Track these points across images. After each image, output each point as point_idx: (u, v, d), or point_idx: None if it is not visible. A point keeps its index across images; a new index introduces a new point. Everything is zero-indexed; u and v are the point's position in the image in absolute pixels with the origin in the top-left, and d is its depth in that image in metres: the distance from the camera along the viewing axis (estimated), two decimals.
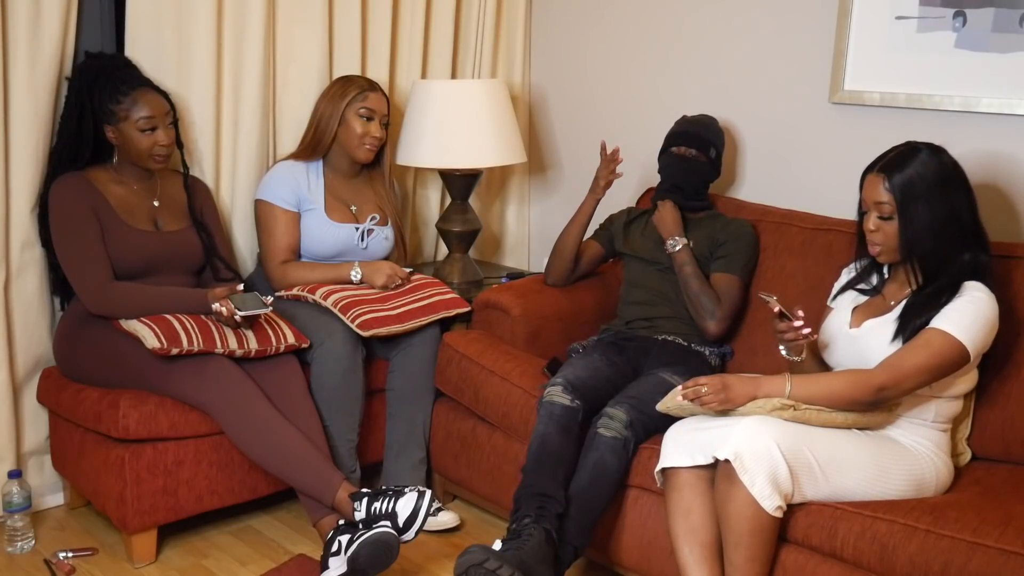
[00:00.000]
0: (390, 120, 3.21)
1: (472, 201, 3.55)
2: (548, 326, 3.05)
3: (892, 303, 2.33)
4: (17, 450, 2.90)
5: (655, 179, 3.09)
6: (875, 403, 2.21)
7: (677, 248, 2.88)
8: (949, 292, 2.22)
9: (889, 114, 2.89)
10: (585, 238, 3.13)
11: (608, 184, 3.01)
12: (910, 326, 2.23)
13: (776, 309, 2.27)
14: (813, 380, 2.23)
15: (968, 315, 2.18)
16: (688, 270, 2.85)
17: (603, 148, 3.00)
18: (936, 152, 2.26)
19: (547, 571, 2.33)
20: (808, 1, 3.03)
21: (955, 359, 2.18)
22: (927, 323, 2.20)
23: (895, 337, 2.25)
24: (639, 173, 3.33)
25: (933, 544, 2.02)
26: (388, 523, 2.49)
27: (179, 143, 2.87)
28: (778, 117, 3.16)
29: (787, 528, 2.20)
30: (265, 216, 3.08)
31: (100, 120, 2.73)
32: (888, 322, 2.29)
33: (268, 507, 3.03)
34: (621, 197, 3.49)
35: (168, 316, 2.65)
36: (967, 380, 2.31)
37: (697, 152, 2.96)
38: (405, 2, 3.50)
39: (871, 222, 2.28)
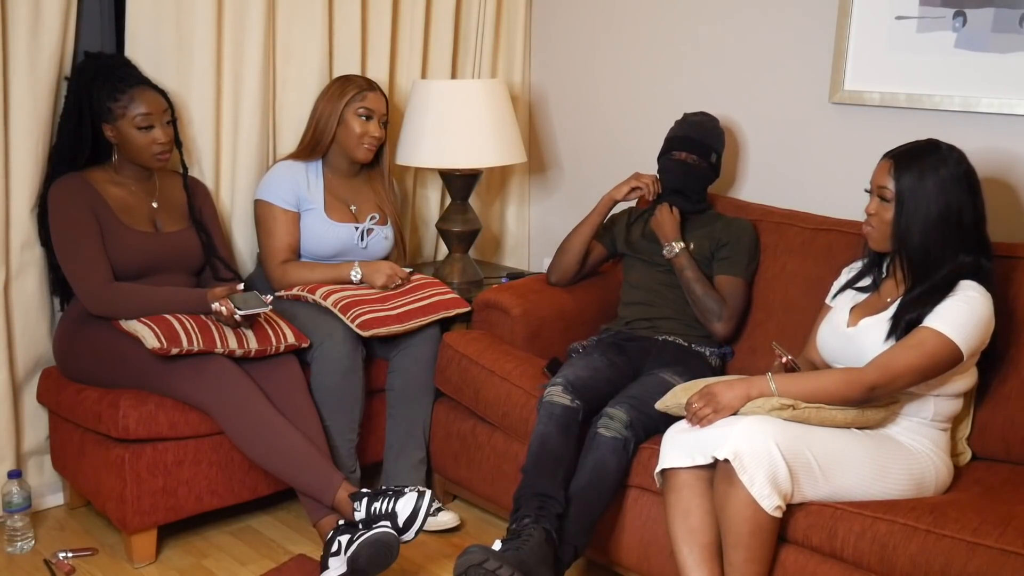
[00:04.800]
0: (389, 119, 3.21)
1: (472, 201, 3.55)
2: (548, 326, 3.05)
3: (888, 301, 2.34)
4: (17, 450, 2.90)
5: None
6: (866, 401, 2.21)
7: (675, 253, 2.88)
8: (944, 291, 2.22)
9: (889, 114, 2.89)
10: None
11: (634, 194, 3.02)
12: (903, 324, 2.23)
13: (784, 360, 2.36)
14: (803, 378, 2.24)
15: (962, 314, 2.18)
16: (689, 274, 2.86)
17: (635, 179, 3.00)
18: (952, 152, 2.26)
19: (547, 571, 2.32)
20: (808, 1, 3.03)
21: (947, 359, 2.18)
22: (920, 320, 2.20)
23: (889, 335, 2.25)
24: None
25: (933, 544, 2.02)
26: (388, 523, 2.49)
27: (178, 143, 2.87)
28: (778, 117, 3.16)
29: (787, 528, 2.20)
30: (265, 216, 3.08)
31: (98, 119, 2.73)
32: (883, 321, 2.29)
33: (268, 507, 3.03)
34: None
35: (168, 316, 2.64)
36: (966, 379, 2.31)
37: (698, 158, 2.96)
38: (405, 2, 3.50)
39: (871, 205, 2.31)
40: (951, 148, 2.27)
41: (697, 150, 2.95)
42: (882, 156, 2.32)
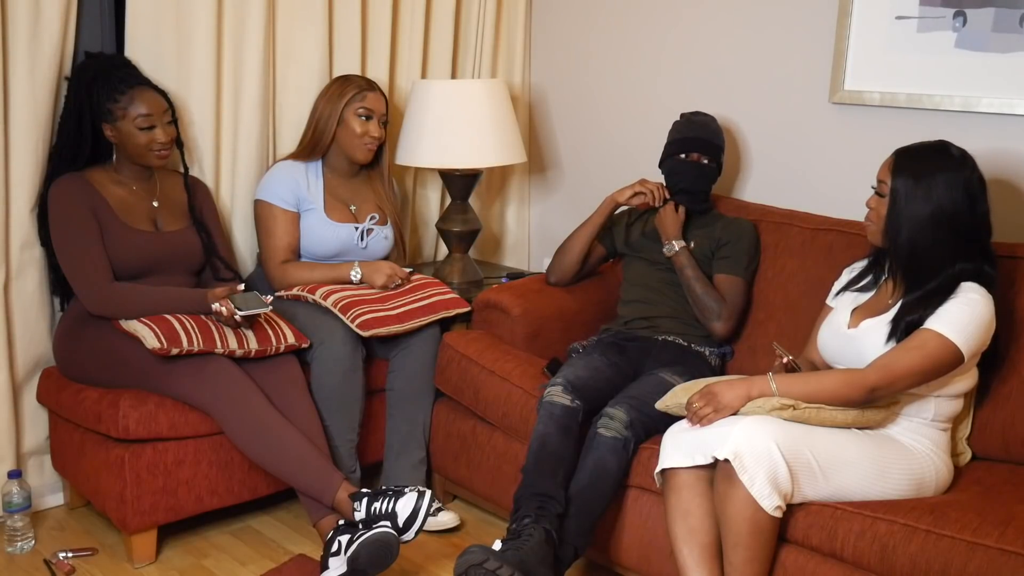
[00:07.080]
0: (389, 119, 3.21)
1: (472, 201, 3.55)
2: (548, 326, 3.05)
3: (889, 303, 2.34)
4: (17, 450, 2.90)
5: (653, 178, 3.09)
6: (867, 402, 2.21)
7: (675, 251, 2.88)
8: (945, 293, 2.22)
9: (889, 114, 2.89)
10: None
11: (637, 199, 2.96)
12: (904, 325, 2.23)
13: (785, 360, 2.35)
14: (803, 378, 2.24)
15: (963, 316, 2.18)
16: (689, 273, 2.86)
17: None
18: (959, 158, 2.24)
19: (547, 571, 2.32)
20: (808, 1, 3.03)
21: (949, 361, 2.18)
22: (921, 321, 2.20)
23: (890, 337, 2.25)
24: (638, 173, 3.33)
25: (933, 544, 2.02)
26: (388, 523, 2.49)
27: (179, 142, 2.87)
28: (778, 117, 3.16)
29: (787, 528, 2.20)
30: (265, 216, 3.08)
31: (99, 119, 2.73)
32: (884, 322, 2.28)
33: (268, 507, 3.03)
34: None
35: (168, 316, 2.65)
36: (966, 379, 2.31)
37: (710, 159, 2.97)
38: (405, 2, 3.50)
39: (872, 198, 2.31)
40: (962, 154, 2.25)
41: (709, 151, 2.96)
42: (893, 151, 2.32)
